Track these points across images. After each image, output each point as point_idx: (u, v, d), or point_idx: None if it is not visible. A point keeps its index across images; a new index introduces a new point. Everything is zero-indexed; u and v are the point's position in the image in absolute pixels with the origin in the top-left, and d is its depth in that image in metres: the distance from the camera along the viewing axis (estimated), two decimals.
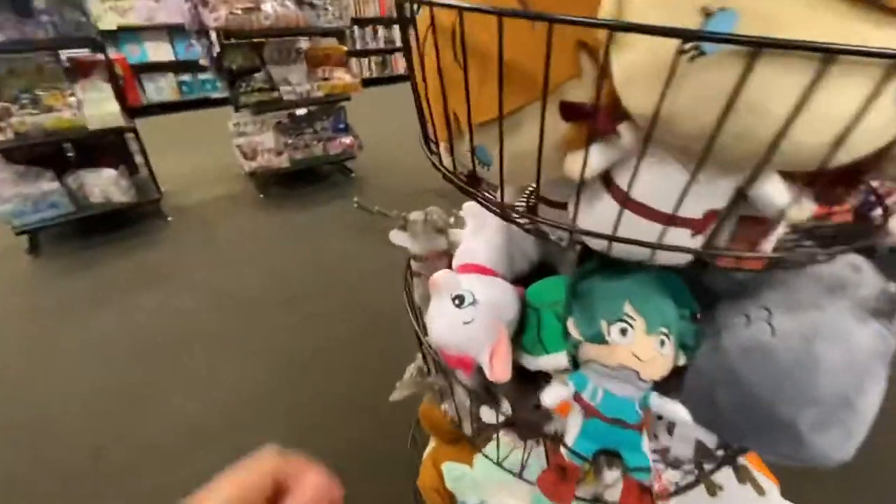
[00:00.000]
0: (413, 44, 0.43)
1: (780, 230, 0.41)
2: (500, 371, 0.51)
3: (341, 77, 2.92)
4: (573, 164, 0.36)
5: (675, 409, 0.42)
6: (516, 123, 0.37)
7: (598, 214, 0.41)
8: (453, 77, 0.38)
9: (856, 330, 0.41)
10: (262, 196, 2.89)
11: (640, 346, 0.43)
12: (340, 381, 1.53)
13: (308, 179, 3.13)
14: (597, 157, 0.36)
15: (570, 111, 0.35)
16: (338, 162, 3.22)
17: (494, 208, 0.48)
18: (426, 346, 0.60)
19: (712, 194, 0.36)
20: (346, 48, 3.02)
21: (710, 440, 0.50)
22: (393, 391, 0.67)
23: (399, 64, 6.01)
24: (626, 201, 0.37)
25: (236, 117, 2.78)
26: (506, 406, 0.58)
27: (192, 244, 2.40)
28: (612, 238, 0.38)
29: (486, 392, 0.57)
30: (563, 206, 0.51)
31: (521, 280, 0.66)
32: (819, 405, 0.40)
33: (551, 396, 0.44)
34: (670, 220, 0.36)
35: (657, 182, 0.36)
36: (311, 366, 1.60)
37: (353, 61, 4.83)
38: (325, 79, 2.86)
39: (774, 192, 0.37)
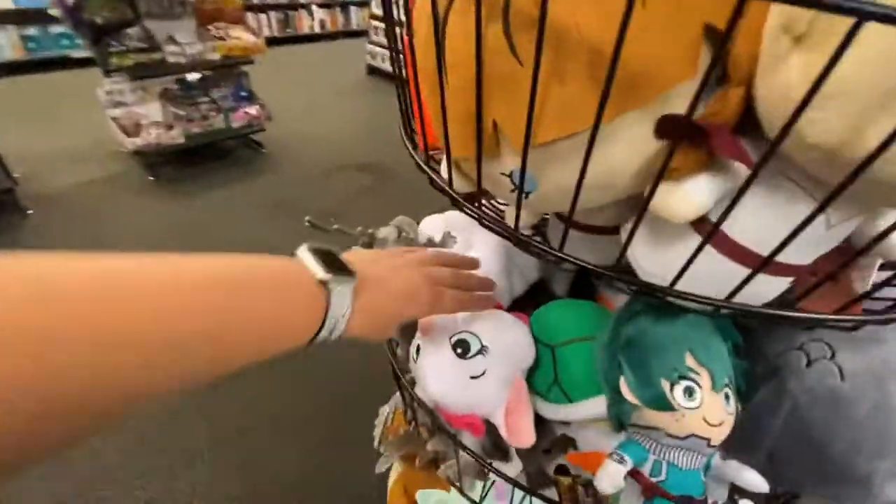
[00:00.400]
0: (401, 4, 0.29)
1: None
2: (524, 434, 0.41)
3: (240, 36, 2.51)
4: (672, 201, 0.26)
5: (750, 478, 0.36)
6: (586, 142, 0.25)
7: (668, 253, 0.31)
8: (499, 70, 0.24)
9: None
10: (151, 178, 2.45)
11: (710, 407, 0.35)
12: (262, 411, 1.35)
13: (209, 157, 2.71)
14: (707, 191, 0.25)
15: (675, 127, 0.24)
16: (243, 135, 2.83)
17: (509, 236, 0.37)
18: (413, 396, 0.48)
19: (833, 237, 0.28)
20: (242, 1, 2.60)
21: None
22: (376, 447, 0.54)
23: (303, 23, 5.42)
24: (719, 241, 0.28)
25: (108, 83, 2.28)
26: (517, 461, 0.48)
27: (62, 242, 1.96)
28: (722, 305, 0.28)
29: (496, 448, 0.47)
30: (598, 230, 0.41)
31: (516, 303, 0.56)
32: (894, 456, 0.36)
33: (610, 480, 0.35)
34: (774, 266, 0.28)
35: (770, 219, 0.27)
36: (224, 396, 1.38)
37: (250, 17, 4.23)
38: (221, 38, 2.44)
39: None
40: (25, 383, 0.17)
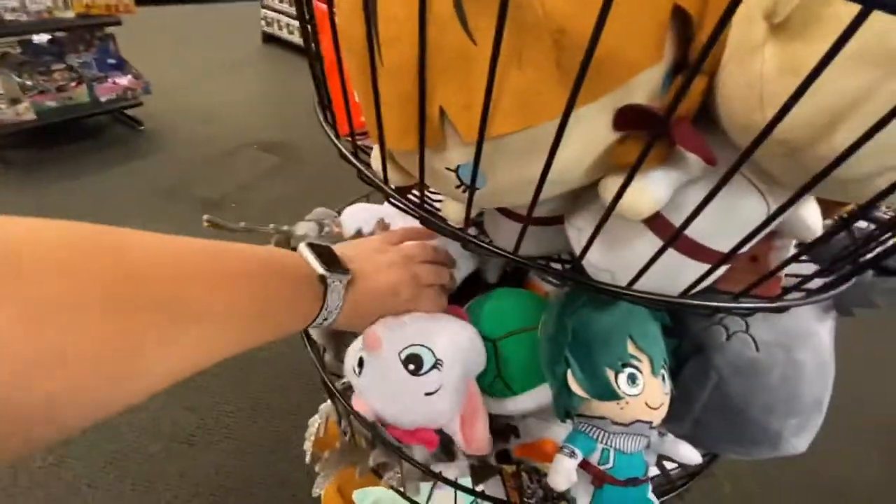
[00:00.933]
0: None
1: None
2: (480, 441, 0.40)
3: None
4: (630, 197, 0.24)
5: (685, 452, 0.38)
6: (546, 134, 0.23)
7: (618, 249, 0.30)
8: (447, 46, 0.21)
9: (819, 329, 0.42)
10: None
11: (651, 391, 0.36)
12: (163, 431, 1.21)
13: (72, 136, 2.29)
14: (664, 185, 0.24)
15: (636, 118, 0.22)
16: (115, 111, 2.43)
17: (449, 232, 0.34)
18: (348, 407, 0.44)
19: (772, 225, 0.29)
20: None
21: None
22: (314, 477, 0.49)
23: None
24: (674, 239, 0.27)
25: None
26: (462, 458, 0.47)
27: None
28: (682, 305, 0.28)
29: (446, 453, 0.45)
30: (538, 221, 0.40)
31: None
32: (801, 414, 0.40)
33: (564, 475, 0.34)
34: (725, 259, 0.28)
35: (724, 216, 0.27)
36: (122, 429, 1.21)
37: None
38: None
39: (810, 214, 0.32)
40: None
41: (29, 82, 2.07)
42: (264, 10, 3.82)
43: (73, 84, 2.17)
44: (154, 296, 0.21)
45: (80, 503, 1.04)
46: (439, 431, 0.41)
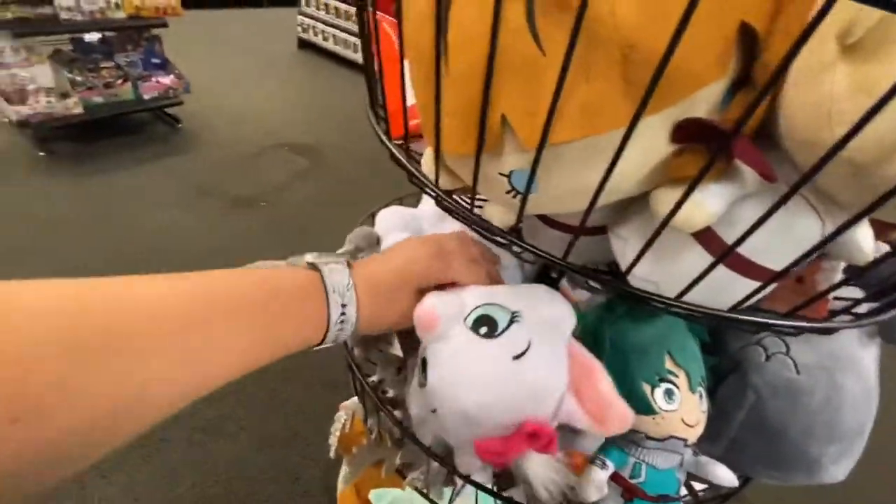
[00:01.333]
0: None
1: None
2: (614, 406, 0.31)
3: None
4: (685, 209, 0.24)
5: (721, 473, 0.37)
6: (606, 144, 0.23)
7: (666, 261, 0.30)
8: (515, 56, 0.21)
9: (864, 355, 0.41)
10: (42, 154, 2.12)
11: (688, 408, 0.36)
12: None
13: (115, 131, 2.40)
14: (720, 200, 0.24)
15: (696, 131, 0.23)
16: (156, 108, 2.53)
17: (499, 234, 0.34)
18: (378, 402, 0.45)
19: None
20: None
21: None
22: (340, 471, 0.50)
23: None
24: (726, 255, 0.27)
25: None
26: (488, 466, 0.47)
27: None
28: (732, 320, 0.28)
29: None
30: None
31: None
32: (843, 440, 0.39)
33: (596, 487, 0.34)
34: (776, 278, 0.28)
35: (778, 233, 0.26)
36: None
37: None
38: None
39: (864, 236, 0.31)
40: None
41: (79, 78, 2.17)
42: (301, 17, 3.93)
43: (120, 81, 2.27)
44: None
45: (103, 485, 1.07)
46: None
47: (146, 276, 0.24)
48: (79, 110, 2.14)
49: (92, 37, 2.27)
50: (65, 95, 2.11)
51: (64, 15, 2.00)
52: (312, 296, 0.29)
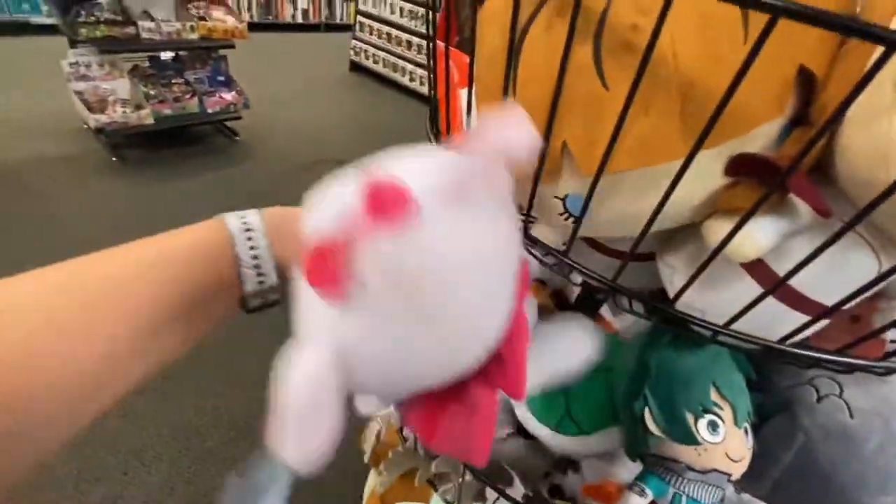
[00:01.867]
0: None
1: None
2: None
3: (222, 18, 2.41)
4: (737, 240, 0.25)
5: None
6: (661, 175, 0.25)
7: (716, 290, 0.31)
8: (579, 90, 0.23)
9: None
10: (115, 159, 2.31)
11: (732, 442, 0.35)
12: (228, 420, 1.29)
13: (179, 141, 2.58)
14: (772, 232, 0.25)
15: (750, 166, 0.24)
16: (217, 122, 2.71)
17: (553, 253, 0.36)
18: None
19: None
20: None
21: None
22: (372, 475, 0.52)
23: (285, 10, 5.28)
24: (778, 286, 0.27)
25: (74, 55, 2.14)
26: (518, 485, 0.47)
27: (15, 223, 1.81)
28: (783, 353, 0.28)
29: (501, 479, 0.46)
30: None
31: None
32: None
33: None
34: (828, 313, 0.28)
35: (832, 269, 0.27)
36: (187, 397, 1.32)
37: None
38: (202, 18, 2.34)
39: None
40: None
41: (152, 91, 2.36)
42: (354, 41, 4.14)
43: (188, 96, 2.46)
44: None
45: (144, 473, 1.13)
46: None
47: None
48: (149, 121, 2.32)
49: (167, 55, 2.47)
50: (139, 107, 2.29)
51: (145, 35, 2.20)
52: (212, 227, 0.28)
